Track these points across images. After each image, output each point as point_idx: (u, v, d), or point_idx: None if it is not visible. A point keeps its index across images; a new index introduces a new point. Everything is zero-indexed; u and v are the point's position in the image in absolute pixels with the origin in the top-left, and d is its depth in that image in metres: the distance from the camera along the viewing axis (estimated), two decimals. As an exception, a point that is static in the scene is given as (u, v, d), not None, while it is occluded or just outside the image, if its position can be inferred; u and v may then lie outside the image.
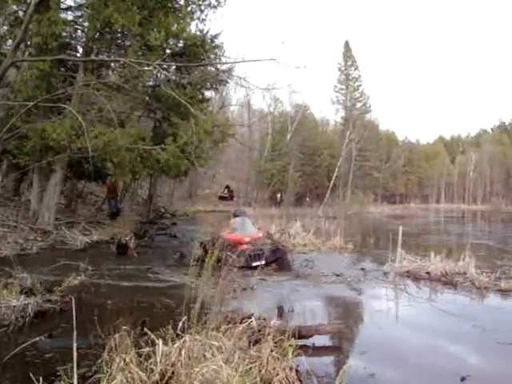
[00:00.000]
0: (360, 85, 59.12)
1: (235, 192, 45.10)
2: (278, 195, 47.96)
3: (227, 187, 44.00)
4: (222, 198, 42.43)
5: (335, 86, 59.59)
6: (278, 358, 4.34)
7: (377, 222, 34.00)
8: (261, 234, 12.18)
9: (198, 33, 16.47)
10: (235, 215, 12.47)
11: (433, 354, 5.41)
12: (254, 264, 10.15)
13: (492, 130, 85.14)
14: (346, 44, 59.64)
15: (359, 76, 59.37)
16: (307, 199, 37.92)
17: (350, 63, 59.65)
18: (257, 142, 49.54)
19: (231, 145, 35.31)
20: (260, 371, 4.19)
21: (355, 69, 59.39)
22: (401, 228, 12.46)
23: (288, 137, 49.82)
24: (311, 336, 5.57)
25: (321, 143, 55.43)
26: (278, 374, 4.19)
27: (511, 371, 5.02)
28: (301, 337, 5.21)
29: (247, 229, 11.84)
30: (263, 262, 10.37)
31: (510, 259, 12.56)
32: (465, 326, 6.60)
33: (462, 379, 4.56)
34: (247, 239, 11.30)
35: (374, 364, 5.02)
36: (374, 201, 56.38)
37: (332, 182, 50.18)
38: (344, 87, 59.09)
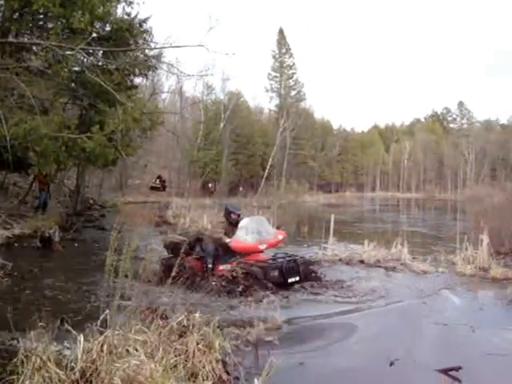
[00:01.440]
0: (294, 72, 60.65)
1: (167, 182, 44.90)
2: (210, 185, 48.20)
3: (159, 177, 43.64)
4: (153, 188, 42.08)
5: (269, 74, 60.96)
6: (205, 352, 4.42)
7: (311, 211, 35.00)
8: (281, 237, 9.51)
9: (126, 16, 16.39)
10: (229, 212, 9.71)
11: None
12: (291, 280, 8.35)
13: (425, 119, 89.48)
14: (281, 31, 60.84)
15: (293, 64, 60.85)
16: (241, 189, 38.43)
17: (284, 51, 60.88)
18: (189, 131, 49.51)
19: (163, 134, 35.15)
20: (186, 365, 4.25)
21: (289, 56, 60.80)
22: (332, 216, 13.29)
23: (221, 125, 50.01)
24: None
25: (255, 132, 56.27)
26: (204, 367, 4.28)
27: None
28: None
29: (262, 232, 9.20)
30: (298, 278, 8.48)
31: (442, 245, 13.31)
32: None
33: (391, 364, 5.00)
34: (263, 247, 8.98)
35: (303, 354, 5.32)
36: (309, 190, 57.88)
37: (266, 171, 51.14)
38: (278, 75, 60.37)
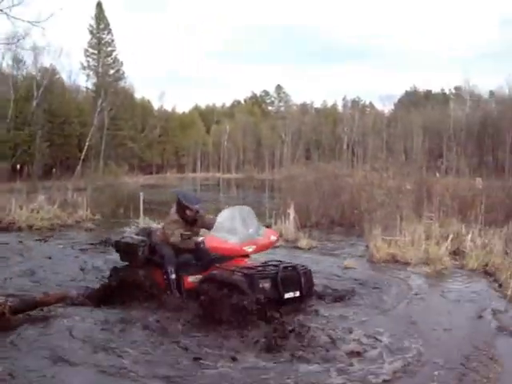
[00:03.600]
0: (113, 50, 61.73)
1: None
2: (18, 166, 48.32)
3: None
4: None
5: (86, 51, 61.02)
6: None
7: (130, 193, 37.53)
8: (275, 238, 7.41)
9: None
10: (182, 206, 7.12)
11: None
12: (287, 296, 6.34)
13: (245, 101, 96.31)
14: (99, 4, 61.07)
15: (112, 41, 61.82)
16: (54, 170, 39.36)
17: (102, 26, 61.23)
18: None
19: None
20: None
21: (108, 33, 61.51)
22: (142, 195, 15.01)
23: (34, 103, 50.28)
24: (35, 308, 6.13)
25: (71, 111, 56.44)
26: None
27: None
28: (21, 311, 5.91)
29: (249, 229, 7.04)
30: (298, 294, 6.49)
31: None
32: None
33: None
34: (250, 249, 6.78)
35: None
36: (130, 171, 60.15)
37: (84, 152, 52.61)
38: (96, 52, 60.81)
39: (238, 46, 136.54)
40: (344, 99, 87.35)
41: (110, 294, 6.90)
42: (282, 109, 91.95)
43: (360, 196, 15.49)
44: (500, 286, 8.37)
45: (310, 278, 6.82)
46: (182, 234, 6.95)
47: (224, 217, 6.99)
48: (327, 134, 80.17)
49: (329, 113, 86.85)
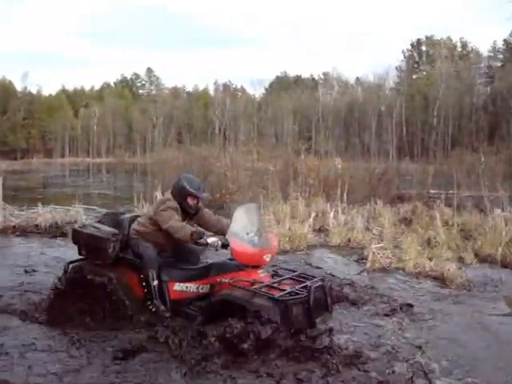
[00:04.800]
0: None
1: None
2: None
3: None
4: None
5: None
6: None
7: None
8: (276, 243, 5.81)
9: None
10: (184, 192, 5.52)
11: None
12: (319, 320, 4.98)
13: (115, 84, 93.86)
14: None
15: None
16: None
17: None
18: None
19: None
20: None
21: None
22: (0, 179, 13.17)
23: None
24: None
25: None
26: None
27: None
28: None
29: (261, 233, 5.62)
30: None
31: (123, 204, 14.80)
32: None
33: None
34: (268, 259, 5.40)
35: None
36: None
37: None
38: None
39: (109, 27, 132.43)
40: (216, 83, 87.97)
41: (63, 305, 5.38)
42: (154, 92, 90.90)
43: (226, 178, 15.65)
44: (362, 258, 8.96)
45: (331, 294, 5.60)
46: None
47: (239, 214, 5.46)
48: (199, 117, 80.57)
49: (200, 96, 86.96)
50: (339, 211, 12.03)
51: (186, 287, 5.39)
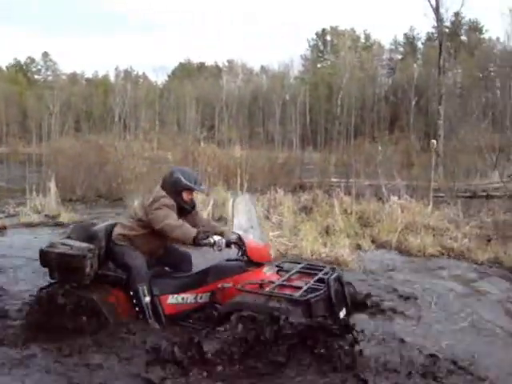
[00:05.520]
0: None
1: None
2: None
3: None
4: None
5: None
6: None
7: None
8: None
9: None
10: (182, 186, 4.96)
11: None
12: (342, 315, 4.58)
13: (7, 68, 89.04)
14: None
15: None
16: None
17: None
18: None
19: None
20: None
21: None
22: None
23: None
24: None
25: None
26: None
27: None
28: None
29: (259, 223, 5.48)
30: (345, 312, 4.74)
31: (15, 198, 14.06)
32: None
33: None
34: (271, 256, 5.49)
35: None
36: None
37: None
38: None
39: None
40: (116, 69, 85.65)
41: (37, 338, 4.56)
42: (50, 78, 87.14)
43: (122, 167, 15.41)
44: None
45: (349, 288, 5.14)
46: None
47: (240, 210, 5.08)
48: (98, 105, 78.03)
49: (100, 83, 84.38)
50: (238, 200, 11.95)
51: (182, 299, 4.80)
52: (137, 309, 4.68)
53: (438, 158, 21.00)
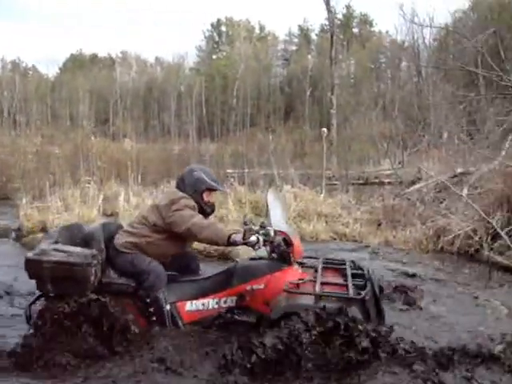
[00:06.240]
0: None
1: None
2: None
3: None
4: None
5: None
6: None
7: None
8: None
9: None
10: (203, 187, 4.55)
11: None
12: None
13: None
14: None
15: None
16: None
17: None
18: None
19: None
20: None
21: None
22: None
23: None
24: None
25: None
26: None
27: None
28: None
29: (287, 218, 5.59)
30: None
31: None
32: None
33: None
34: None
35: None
36: None
37: None
38: None
39: None
40: (3, 60, 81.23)
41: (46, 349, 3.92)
42: None
43: (7, 164, 14.85)
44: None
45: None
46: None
47: (273, 205, 4.65)
48: (-17, 98, 73.83)
49: (-17, 75, 79.77)
50: (130, 194, 11.78)
51: (203, 304, 4.35)
52: (154, 318, 4.21)
53: (331, 147, 21.69)
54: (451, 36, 28.23)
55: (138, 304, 4.27)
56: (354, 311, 3.87)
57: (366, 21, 67.46)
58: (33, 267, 4.10)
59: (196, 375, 3.59)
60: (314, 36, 71.24)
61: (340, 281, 4.29)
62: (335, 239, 9.51)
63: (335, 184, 14.73)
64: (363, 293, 3.97)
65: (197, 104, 60.85)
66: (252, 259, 4.58)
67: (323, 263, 4.62)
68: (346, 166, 17.46)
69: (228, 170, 17.14)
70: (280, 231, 4.30)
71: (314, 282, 4.12)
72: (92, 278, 4.02)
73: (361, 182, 17.19)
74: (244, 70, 59.53)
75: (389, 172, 17.57)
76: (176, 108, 61.37)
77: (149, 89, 66.40)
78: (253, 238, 4.11)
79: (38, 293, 4.36)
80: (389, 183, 15.40)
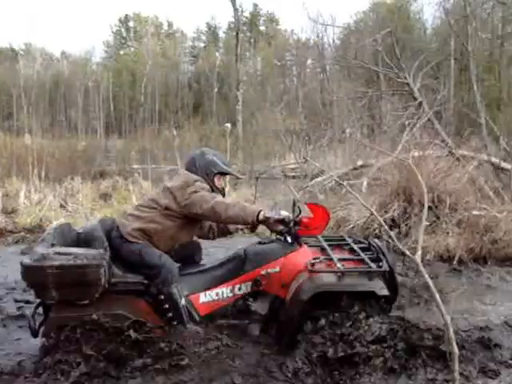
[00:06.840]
0: None
1: None
2: None
3: None
4: None
5: None
6: None
7: None
8: None
9: None
10: (223, 162, 4.42)
11: None
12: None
13: None
14: None
15: None
16: None
17: None
18: None
19: None
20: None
21: None
22: None
23: None
24: None
25: None
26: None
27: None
28: None
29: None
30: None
31: None
32: None
33: None
34: None
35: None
36: None
37: None
38: None
39: None
40: None
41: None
42: None
43: None
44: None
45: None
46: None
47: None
48: None
49: None
50: (32, 190, 11.62)
51: (217, 294, 4.09)
52: (169, 315, 3.89)
53: (237, 142, 22.08)
54: (353, 35, 29.30)
55: (150, 302, 3.97)
56: (380, 285, 3.82)
57: (272, 19, 68.61)
58: (34, 274, 3.68)
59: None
60: (221, 34, 71.64)
61: (352, 256, 4.21)
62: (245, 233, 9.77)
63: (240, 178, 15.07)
64: (382, 265, 3.94)
65: (104, 100, 59.60)
66: (260, 243, 4.33)
67: (325, 241, 4.45)
68: (252, 161, 17.82)
69: (134, 166, 17.16)
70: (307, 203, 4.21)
71: (330, 259, 4.01)
72: (102, 279, 3.67)
73: (266, 176, 17.59)
74: (152, 66, 58.88)
75: (293, 166, 18.04)
76: (83, 103, 59.83)
77: (55, 83, 64.25)
78: (285, 213, 3.94)
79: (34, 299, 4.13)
80: (294, 177, 15.72)
